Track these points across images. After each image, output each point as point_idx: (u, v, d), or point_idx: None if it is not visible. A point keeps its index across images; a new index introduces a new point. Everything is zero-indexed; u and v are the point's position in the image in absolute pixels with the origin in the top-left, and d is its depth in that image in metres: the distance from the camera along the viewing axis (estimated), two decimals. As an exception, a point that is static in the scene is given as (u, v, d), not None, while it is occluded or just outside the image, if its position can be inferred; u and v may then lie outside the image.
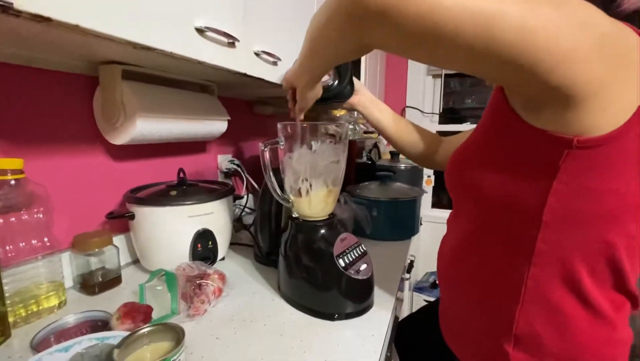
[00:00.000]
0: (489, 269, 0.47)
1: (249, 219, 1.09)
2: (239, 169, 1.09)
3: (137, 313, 0.53)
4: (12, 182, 0.53)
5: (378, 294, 0.65)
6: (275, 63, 0.75)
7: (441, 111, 2.08)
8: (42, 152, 0.62)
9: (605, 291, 0.41)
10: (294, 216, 0.62)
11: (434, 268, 2.10)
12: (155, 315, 0.55)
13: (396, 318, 0.94)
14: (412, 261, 1.20)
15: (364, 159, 1.62)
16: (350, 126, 1.45)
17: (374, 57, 1.81)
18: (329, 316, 0.56)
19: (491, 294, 0.47)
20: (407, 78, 2.09)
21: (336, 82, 0.67)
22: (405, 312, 1.36)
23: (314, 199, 0.60)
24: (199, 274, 0.60)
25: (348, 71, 0.67)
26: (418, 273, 2.01)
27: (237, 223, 1.03)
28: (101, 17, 0.37)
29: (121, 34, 0.40)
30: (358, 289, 0.58)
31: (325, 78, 0.70)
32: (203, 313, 0.56)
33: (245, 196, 1.13)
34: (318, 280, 0.58)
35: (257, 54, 0.68)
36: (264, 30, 0.70)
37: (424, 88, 2.09)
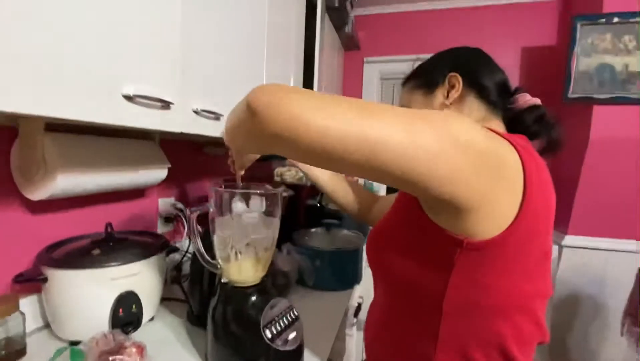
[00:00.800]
0: (402, 347, 0.49)
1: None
2: (180, 213, 1.05)
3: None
4: None
5: (309, 357, 0.64)
6: (217, 118, 0.75)
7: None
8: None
9: None
10: (223, 281, 0.61)
11: None
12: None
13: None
14: (359, 304, 1.21)
15: (316, 200, 1.64)
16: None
17: (330, 64, 1.88)
18: (253, 392, 0.55)
19: None
20: (362, 84, 2.24)
21: None
22: (352, 352, 1.34)
23: (244, 265, 0.59)
24: (114, 348, 0.56)
25: None
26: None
27: (176, 273, 0.98)
28: (5, 97, 0.36)
29: (30, 110, 0.38)
30: (286, 359, 0.57)
31: None
32: (114, 395, 0.52)
33: (188, 241, 1.09)
34: (243, 350, 0.56)
35: (196, 112, 0.68)
36: (204, 88, 0.71)
37: (380, 94, 2.24)
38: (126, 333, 0.65)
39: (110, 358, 0.53)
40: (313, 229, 1.13)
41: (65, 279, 0.61)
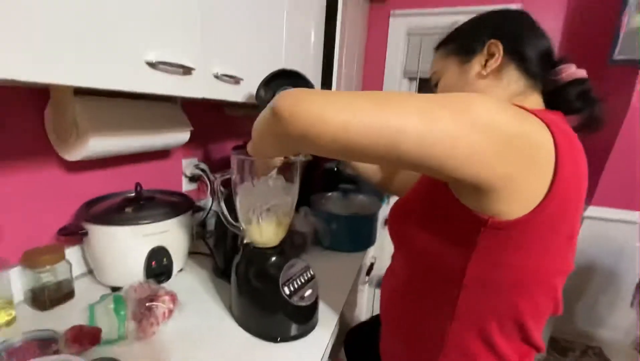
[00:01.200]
0: (418, 317, 0.52)
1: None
2: (203, 174, 1.09)
3: (84, 337, 0.55)
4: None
5: (324, 310, 0.70)
6: (237, 82, 0.75)
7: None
8: (-12, 170, 0.61)
9: (512, 344, 0.47)
10: (245, 242, 0.65)
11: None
12: (105, 335, 0.57)
13: (347, 324, 1.01)
14: (372, 264, 1.27)
15: (334, 164, 1.65)
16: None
17: (351, 56, 1.81)
18: (272, 339, 0.61)
19: (419, 339, 0.53)
20: (383, 80, 2.11)
21: None
22: (363, 309, 1.44)
23: (265, 229, 0.63)
24: (150, 295, 0.63)
25: None
26: (382, 268, 2.11)
27: (201, 229, 1.05)
28: (37, 68, 0.37)
29: (62, 80, 0.40)
30: (301, 315, 0.62)
31: None
32: (151, 335, 0.59)
33: (211, 200, 1.15)
34: (264, 304, 0.62)
35: (216, 77, 0.68)
36: (224, 52, 0.70)
37: (402, 76, 2.12)
38: (159, 282, 0.72)
39: (147, 304, 0.60)
40: (330, 193, 1.16)
41: (102, 234, 0.67)
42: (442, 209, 0.44)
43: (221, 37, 0.68)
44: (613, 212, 1.71)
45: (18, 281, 0.65)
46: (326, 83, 1.37)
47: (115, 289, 0.72)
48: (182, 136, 0.88)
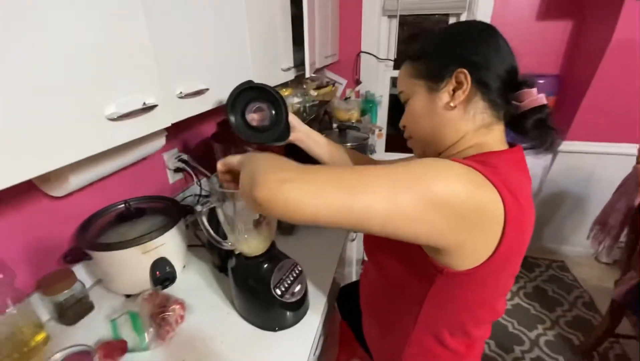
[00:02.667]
0: (389, 317, 0.65)
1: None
2: (185, 165, 1.11)
3: (114, 351, 0.65)
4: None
5: (314, 293, 0.81)
6: (202, 93, 0.73)
7: (395, 57, 2.03)
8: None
9: (459, 340, 0.59)
10: (236, 253, 0.72)
11: None
12: (130, 345, 0.68)
13: (338, 283, 1.15)
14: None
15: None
16: (299, 99, 1.44)
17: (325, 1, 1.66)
18: (271, 329, 0.72)
19: (389, 331, 0.66)
20: (361, 19, 1.96)
21: (273, 125, 0.70)
22: (353, 263, 1.60)
23: (251, 241, 0.69)
24: (161, 305, 0.72)
25: (283, 115, 0.69)
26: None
27: (193, 220, 1.11)
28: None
29: (27, 176, 0.41)
30: (293, 307, 0.73)
31: (258, 118, 0.72)
32: (169, 340, 0.70)
33: (198, 185, 1.19)
34: (260, 303, 0.72)
35: (181, 97, 0.66)
36: (184, 70, 0.67)
37: (379, 31, 1.99)
38: (165, 287, 0.81)
39: (160, 315, 0.70)
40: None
41: (105, 257, 0.74)
42: (409, 251, 0.51)
43: (178, 58, 0.65)
44: (585, 144, 1.80)
45: (40, 304, 0.74)
46: (297, 22, 1.27)
47: (128, 296, 0.81)
48: (158, 142, 0.88)
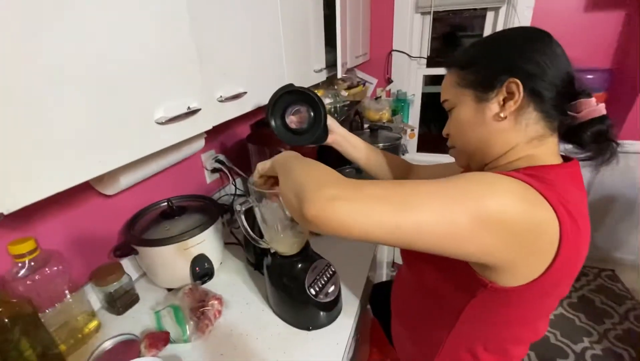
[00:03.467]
0: (421, 323, 0.63)
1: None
2: (222, 166, 1.15)
3: (158, 341, 0.69)
4: (32, 263, 0.63)
5: (347, 295, 0.81)
6: (241, 96, 0.75)
7: (429, 54, 1.98)
8: (43, 217, 0.70)
9: (494, 356, 0.57)
10: (272, 251, 0.74)
11: None
12: (172, 336, 0.71)
13: (371, 281, 1.14)
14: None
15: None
16: (330, 100, 1.44)
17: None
18: (305, 328, 0.73)
19: (421, 338, 0.64)
20: (393, 17, 1.93)
21: (311, 127, 0.71)
22: (384, 265, 1.58)
23: (286, 242, 0.71)
24: (200, 300, 0.75)
25: (322, 117, 0.70)
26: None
27: (229, 215, 1.15)
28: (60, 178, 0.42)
29: (89, 176, 0.45)
30: (327, 307, 0.73)
31: (296, 120, 0.73)
32: (208, 333, 0.73)
33: (233, 185, 1.23)
34: (294, 302, 0.73)
35: (221, 101, 0.69)
36: (224, 74, 0.70)
37: (412, 28, 1.94)
38: (204, 282, 0.85)
39: (200, 310, 0.73)
40: (346, 170, 1.20)
41: (150, 252, 0.78)
42: (452, 261, 0.48)
43: (219, 62, 0.67)
44: (638, 144, 1.65)
45: (92, 294, 0.80)
46: (329, 23, 1.28)
47: (169, 289, 0.86)
48: (198, 144, 0.92)
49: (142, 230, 0.82)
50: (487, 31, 1.90)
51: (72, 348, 0.71)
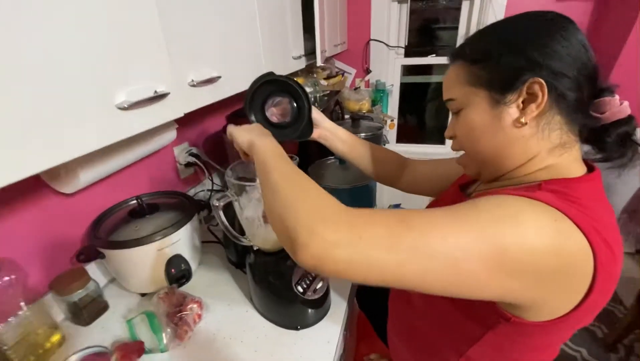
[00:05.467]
0: (428, 347, 0.57)
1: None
2: (196, 160, 1.08)
3: (131, 352, 0.63)
4: (-25, 274, 0.55)
5: (336, 288, 0.78)
6: (214, 81, 0.69)
7: (406, 43, 1.97)
8: (-10, 220, 0.61)
9: None
10: (254, 248, 0.69)
11: (397, 201, 2.25)
12: (147, 345, 0.65)
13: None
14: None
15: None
16: (310, 89, 1.39)
17: None
18: (293, 328, 0.69)
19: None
20: (370, 5, 1.89)
21: (295, 120, 0.65)
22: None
23: (269, 236, 0.66)
24: (178, 305, 0.69)
25: (306, 110, 0.64)
26: (383, 204, 2.21)
27: (207, 213, 1.08)
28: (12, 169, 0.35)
29: (35, 169, 0.38)
30: (316, 305, 0.70)
31: (278, 113, 0.67)
32: (188, 340, 0.67)
33: (210, 179, 1.16)
34: (281, 301, 0.68)
35: (193, 86, 0.63)
36: (195, 55, 0.63)
37: (389, 17, 1.92)
38: (181, 285, 0.78)
39: (177, 315, 0.67)
40: (328, 161, 1.16)
41: (119, 255, 0.71)
42: None
43: (188, 42, 0.61)
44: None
45: (54, 305, 0.71)
46: (306, 9, 1.23)
47: (143, 294, 0.79)
48: (169, 135, 0.85)
49: (108, 232, 0.74)
50: (463, 22, 1.91)
51: (33, 366, 0.63)
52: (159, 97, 0.53)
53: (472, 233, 0.34)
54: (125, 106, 0.47)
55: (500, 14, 1.73)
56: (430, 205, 0.67)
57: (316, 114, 0.68)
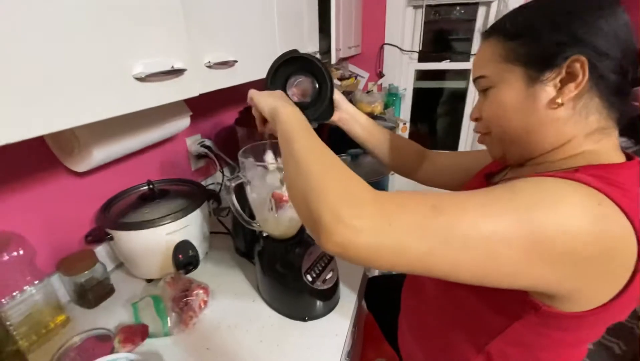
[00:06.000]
0: (444, 342, 0.54)
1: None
2: (208, 151, 1.08)
3: (134, 335, 0.61)
4: (-16, 243, 0.54)
5: (345, 281, 0.75)
6: (232, 65, 0.69)
7: (421, 48, 1.96)
8: (2, 194, 0.61)
9: None
10: (264, 234, 0.67)
11: None
12: (151, 329, 0.64)
13: (366, 275, 1.09)
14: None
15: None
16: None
17: None
18: (301, 318, 0.67)
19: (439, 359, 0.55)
20: (385, 10, 1.90)
21: (316, 101, 0.63)
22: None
23: (281, 222, 0.64)
24: (184, 290, 0.68)
25: (328, 90, 0.62)
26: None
27: (216, 205, 1.08)
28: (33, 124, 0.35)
29: (55, 127, 0.38)
30: (325, 296, 0.67)
31: (298, 92, 0.65)
32: (192, 326, 0.65)
33: (220, 172, 1.15)
34: (289, 290, 0.66)
35: (209, 67, 0.62)
36: (213, 37, 0.63)
37: (404, 22, 1.92)
38: (188, 272, 0.77)
39: (183, 300, 0.66)
40: (340, 157, 1.15)
41: (127, 238, 0.70)
42: None
43: (207, 22, 0.61)
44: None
45: (61, 286, 0.71)
46: (323, 15, 1.24)
47: (149, 280, 0.78)
48: (183, 122, 0.85)
49: (118, 214, 0.74)
50: (479, 28, 1.90)
51: (35, 345, 0.62)
52: (175, 72, 0.52)
53: (508, 218, 0.32)
54: (143, 76, 0.47)
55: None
56: None
57: (338, 97, 0.66)
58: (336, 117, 0.68)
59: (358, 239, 0.31)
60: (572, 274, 0.33)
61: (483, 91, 0.47)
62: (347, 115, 0.68)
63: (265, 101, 0.52)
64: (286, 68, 0.62)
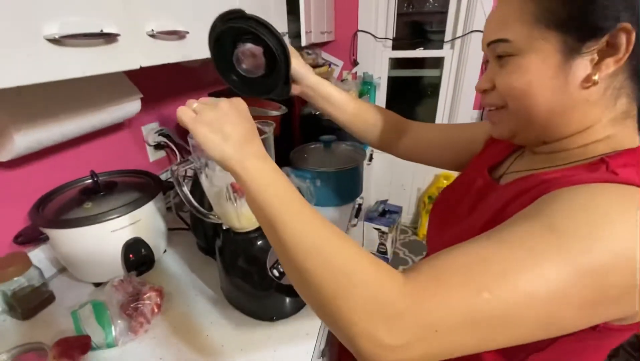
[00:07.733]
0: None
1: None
2: (167, 140, 0.99)
3: (72, 349, 0.52)
4: None
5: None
6: (182, 37, 0.61)
7: (395, 34, 1.92)
8: None
9: None
10: (224, 227, 0.60)
11: (384, 197, 2.20)
12: (95, 340, 0.55)
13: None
14: (360, 205, 1.27)
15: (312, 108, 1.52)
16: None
17: None
18: (268, 318, 0.60)
19: None
20: (358, -3, 1.84)
21: (268, 74, 0.54)
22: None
23: (241, 212, 0.57)
24: (134, 293, 0.60)
25: (283, 58, 0.52)
26: (370, 201, 2.14)
27: (178, 200, 0.99)
28: None
29: None
30: (294, 292, 0.61)
31: (249, 63, 0.57)
32: (144, 333, 0.57)
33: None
34: (254, 288, 0.60)
35: (152, 36, 0.54)
36: (158, 2, 0.55)
37: (377, 8, 1.87)
38: (141, 273, 0.69)
39: (132, 305, 0.58)
40: (312, 145, 1.08)
41: (65, 237, 0.61)
42: None
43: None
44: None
45: (-13, 295, 0.61)
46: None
47: (97, 284, 0.69)
48: (131, 106, 0.76)
49: (55, 211, 0.64)
50: (450, 21, 1.87)
51: (-49, 367, 0.52)
52: (105, 36, 0.44)
53: (564, 272, 0.27)
54: (57, 37, 0.38)
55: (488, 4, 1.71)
56: (444, 193, 0.57)
57: (298, 66, 0.57)
58: (297, 91, 0.60)
59: (409, 355, 0.28)
60: (633, 299, 0.28)
61: (498, 57, 0.39)
62: (311, 91, 0.60)
63: (213, 145, 0.37)
64: (232, 32, 0.53)
